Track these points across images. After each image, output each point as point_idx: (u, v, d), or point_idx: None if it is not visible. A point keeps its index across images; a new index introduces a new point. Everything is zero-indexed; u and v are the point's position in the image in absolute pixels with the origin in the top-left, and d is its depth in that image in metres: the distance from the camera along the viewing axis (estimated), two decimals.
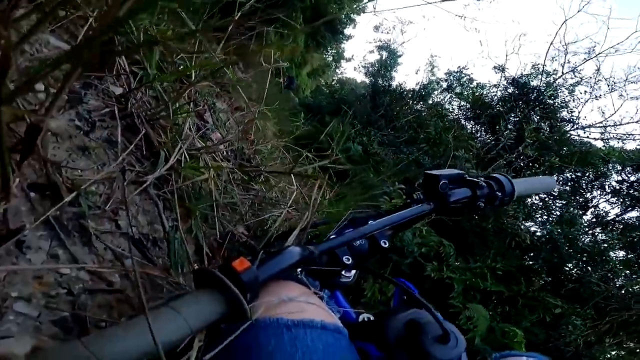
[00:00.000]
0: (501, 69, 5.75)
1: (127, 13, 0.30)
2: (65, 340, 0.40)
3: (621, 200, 4.83)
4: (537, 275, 3.44)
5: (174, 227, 0.56)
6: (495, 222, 3.73)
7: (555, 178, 4.54)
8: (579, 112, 5.12)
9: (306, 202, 0.98)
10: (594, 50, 5.36)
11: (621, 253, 4.40)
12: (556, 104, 5.09)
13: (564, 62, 5.27)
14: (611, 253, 4.22)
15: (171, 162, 0.59)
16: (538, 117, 5.05)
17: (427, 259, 3.04)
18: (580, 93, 5.20)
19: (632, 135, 5.25)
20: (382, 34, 8.28)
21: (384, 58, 7.15)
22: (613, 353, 3.66)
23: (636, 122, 5.20)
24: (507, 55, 6.19)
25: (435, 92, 6.52)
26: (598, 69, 5.30)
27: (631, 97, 5.29)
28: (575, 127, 5.08)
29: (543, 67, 5.38)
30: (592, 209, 5.02)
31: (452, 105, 6.27)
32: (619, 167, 4.86)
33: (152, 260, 0.52)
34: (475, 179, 0.69)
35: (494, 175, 0.71)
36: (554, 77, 5.23)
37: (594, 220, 4.93)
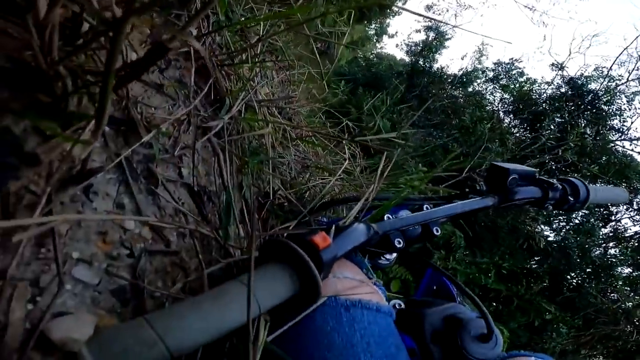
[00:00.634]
0: (560, 67, 5.35)
1: None
2: (121, 314, 0.37)
3: None
4: (539, 280, 3.42)
5: (229, 183, 0.54)
6: (513, 220, 3.67)
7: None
8: (632, 123, 4.80)
9: (347, 173, 0.95)
10: None
11: (627, 270, 4.33)
12: (610, 110, 4.77)
13: (633, 69, 4.85)
14: (618, 269, 4.16)
15: (234, 110, 0.56)
16: (585, 122, 4.76)
17: (436, 246, 3.04)
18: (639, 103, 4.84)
19: None
20: (434, 14, 7.69)
21: (430, 39, 6.70)
22: None
23: None
24: (569, 54, 5.70)
25: (478, 81, 6.16)
26: None
27: None
28: (622, 137, 4.78)
29: (608, 71, 4.98)
30: (614, 222, 4.87)
31: (494, 96, 5.94)
32: None
33: (206, 217, 0.51)
34: (549, 180, 0.64)
35: (570, 178, 0.66)
36: (616, 83, 4.86)
37: (611, 234, 4.80)
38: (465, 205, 0.61)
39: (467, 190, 0.67)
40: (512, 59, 5.98)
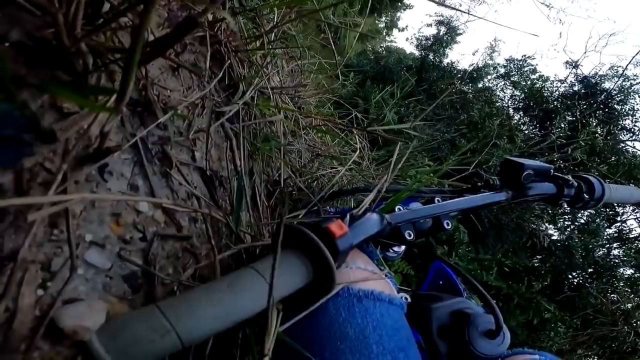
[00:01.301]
0: (574, 64, 5.23)
1: None
2: (132, 301, 0.36)
3: None
4: (540, 278, 3.41)
5: (242, 168, 0.54)
6: (518, 218, 3.64)
7: None
8: None
9: (357, 162, 0.94)
10: None
11: (629, 271, 4.31)
12: (623, 110, 4.68)
13: None
14: (620, 270, 4.14)
15: (247, 96, 0.55)
16: (597, 121, 4.68)
17: (439, 241, 3.03)
18: None
19: None
20: (446, 8, 7.52)
21: (441, 33, 6.58)
22: None
23: None
24: (585, 52, 5.57)
25: (489, 77, 6.06)
26: None
27: None
28: (633, 137, 4.70)
29: (623, 71, 4.87)
30: (619, 223, 4.82)
31: (505, 92, 5.84)
32: None
33: (217, 203, 0.50)
34: (564, 176, 0.63)
35: (586, 175, 0.65)
36: (631, 83, 4.75)
37: (615, 234, 4.77)
38: (478, 199, 0.60)
39: (479, 184, 0.66)
40: (524, 55, 5.87)
